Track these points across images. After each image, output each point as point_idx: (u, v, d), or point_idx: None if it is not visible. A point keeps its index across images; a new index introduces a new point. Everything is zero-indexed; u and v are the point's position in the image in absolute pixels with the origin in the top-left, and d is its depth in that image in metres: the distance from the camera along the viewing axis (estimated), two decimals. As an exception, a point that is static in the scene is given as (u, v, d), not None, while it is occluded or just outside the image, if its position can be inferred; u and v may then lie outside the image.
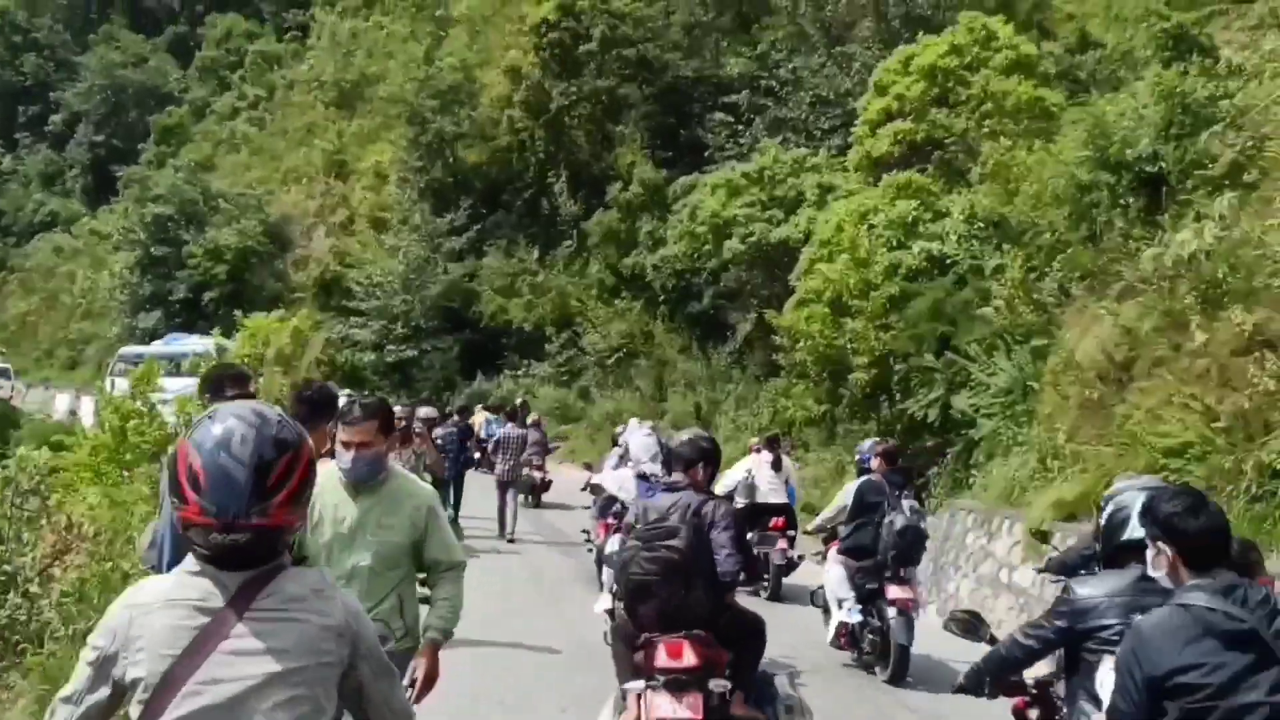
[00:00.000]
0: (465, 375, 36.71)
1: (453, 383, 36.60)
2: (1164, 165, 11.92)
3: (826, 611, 9.13)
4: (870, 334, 14.70)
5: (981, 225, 14.53)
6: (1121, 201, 11.88)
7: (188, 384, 16.36)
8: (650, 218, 31.91)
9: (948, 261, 14.92)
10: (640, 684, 5.24)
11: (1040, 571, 7.37)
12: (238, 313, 36.12)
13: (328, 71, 55.85)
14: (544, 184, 37.59)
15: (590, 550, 11.54)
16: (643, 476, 9.69)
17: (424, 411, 13.87)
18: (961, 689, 4.43)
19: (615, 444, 12.99)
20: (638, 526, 5.78)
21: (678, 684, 5.12)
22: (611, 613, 7.94)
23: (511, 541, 14.56)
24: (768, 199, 25.52)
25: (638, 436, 10.65)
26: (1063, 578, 5.54)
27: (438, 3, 50.03)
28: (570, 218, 36.30)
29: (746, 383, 25.24)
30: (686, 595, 5.28)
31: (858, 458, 9.85)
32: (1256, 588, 3.35)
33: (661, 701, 5.11)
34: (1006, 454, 12.20)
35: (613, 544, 8.89)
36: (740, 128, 31.78)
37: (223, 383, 5.20)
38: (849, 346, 14.98)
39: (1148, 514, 3.56)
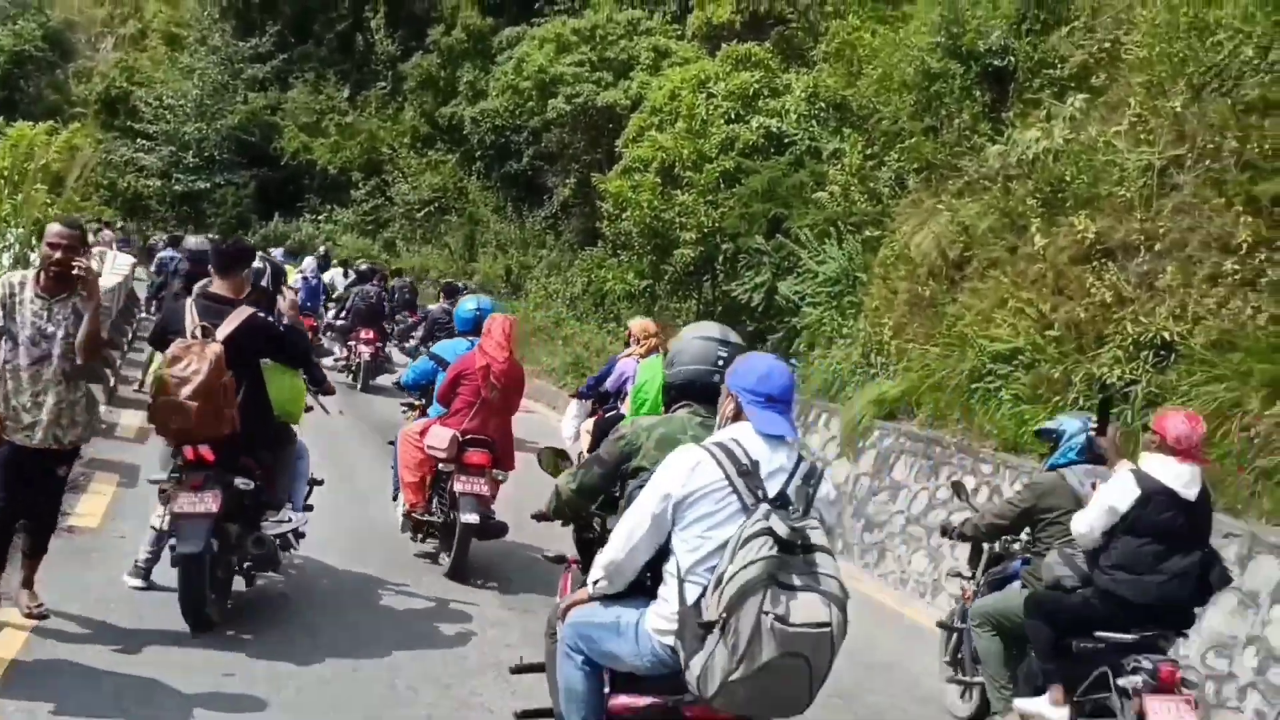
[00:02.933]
0: (262, 215, 34.60)
1: (247, 221, 34.51)
2: (1014, 60, 11.54)
3: None
4: (700, 209, 13.99)
5: (823, 106, 13.93)
6: (970, 94, 11.47)
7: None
8: (472, 67, 30.18)
9: (786, 140, 14.31)
10: (354, 343, 15.81)
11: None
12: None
13: None
14: (360, 18, 35.17)
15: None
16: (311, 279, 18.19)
17: (192, 242, 12.43)
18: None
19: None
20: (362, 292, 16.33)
21: (369, 343, 15.49)
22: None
23: None
24: (597, 60, 24.38)
25: (309, 260, 20.19)
26: None
27: None
28: (386, 58, 34.17)
29: (561, 250, 24.43)
30: (377, 309, 15.96)
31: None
32: None
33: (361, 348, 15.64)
34: (829, 346, 11.87)
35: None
36: (573, -20, 30.25)
37: None
38: (677, 220, 14.25)
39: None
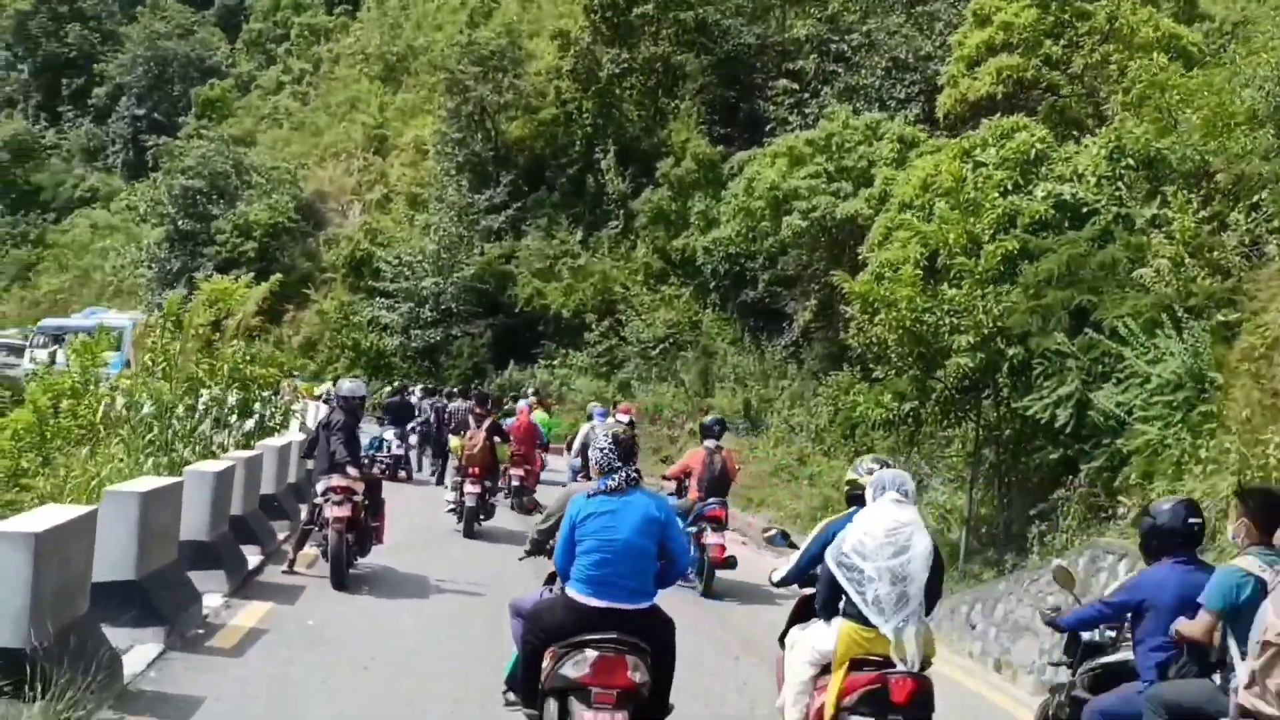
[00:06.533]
0: (497, 363, 33.68)
1: (483, 370, 33.64)
2: None
3: None
4: (978, 305, 10.85)
5: (1130, 164, 10.78)
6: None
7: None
8: (703, 196, 28.66)
9: (1085, 210, 11.23)
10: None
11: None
12: (197, 275, 33.89)
13: (374, 44, 53.30)
14: (590, 160, 34.49)
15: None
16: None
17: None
18: None
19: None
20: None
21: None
22: None
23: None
24: (835, 169, 22.13)
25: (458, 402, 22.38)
26: None
27: (493, -29, 46.96)
28: (617, 196, 33.12)
29: (803, 379, 21.76)
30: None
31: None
32: None
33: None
34: (1176, 474, 8.52)
35: None
36: (806, 96, 28.31)
37: None
38: (947, 322, 11.07)
39: None
